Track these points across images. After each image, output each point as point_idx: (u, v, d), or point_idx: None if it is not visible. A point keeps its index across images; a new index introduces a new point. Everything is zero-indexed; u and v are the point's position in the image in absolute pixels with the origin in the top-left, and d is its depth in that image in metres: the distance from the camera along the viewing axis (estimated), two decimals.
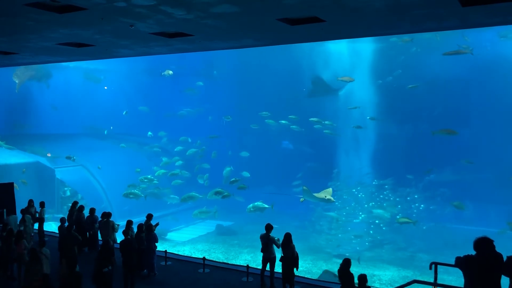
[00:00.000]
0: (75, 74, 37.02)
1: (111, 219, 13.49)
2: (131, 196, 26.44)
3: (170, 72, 33.71)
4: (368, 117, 30.44)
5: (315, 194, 21.97)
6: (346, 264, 8.62)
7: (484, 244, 6.55)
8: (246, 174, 31.08)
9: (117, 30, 10.36)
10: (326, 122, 30.55)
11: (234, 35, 11.03)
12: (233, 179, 27.51)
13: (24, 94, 35.23)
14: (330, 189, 23.32)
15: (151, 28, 10.10)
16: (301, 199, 22.68)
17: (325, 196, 21.72)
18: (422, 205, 26.66)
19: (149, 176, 29.13)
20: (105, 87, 39.62)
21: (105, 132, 34.84)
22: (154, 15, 8.83)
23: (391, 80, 30.88)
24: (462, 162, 27.20)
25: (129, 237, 10.91)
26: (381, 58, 32.18)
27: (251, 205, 24.89)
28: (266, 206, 24.21)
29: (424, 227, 25.01)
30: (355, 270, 9.05)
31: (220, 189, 25.93)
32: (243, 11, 8.45)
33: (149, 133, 35.07)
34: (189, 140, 35.12)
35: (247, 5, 8.06)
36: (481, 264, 6.49)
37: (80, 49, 13.03)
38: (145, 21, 9.32)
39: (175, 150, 34.09)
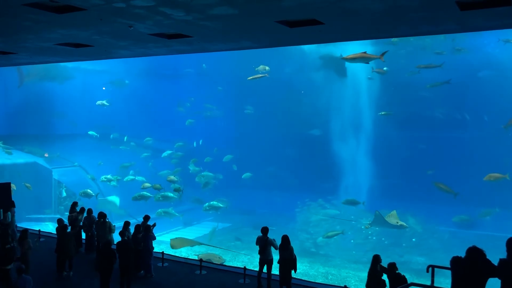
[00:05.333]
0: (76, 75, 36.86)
1: (107, 220, 13.44)
2: (82, 194, 25.82)
3: (267, 67, 29.86)
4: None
5: (387, 219, 21.05)
6: (375, 260, 9.03)
7: (475, 251, 6.73)
8: (247, 174, 31.45)
9: (116, 31, 10.34)
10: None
11: (232, 37, 11.03)
12: (173, 184, 26.69)
13: (25, 95, 35.09)
14: (394, 211, 22.35)
15: (150, 29, 10.08)
16: (367, 226, 22.09)
17: (397, 222, 20.84)
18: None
19: (109, 176, 28.97)
20: (103, 88, 39.37)
21: (111, 136, 34.33)
22: (153, 16, 8.81)
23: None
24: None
25: (125, 238, 10.91)
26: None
27: (206, 204, 25.31)
28: (221, 205, 24.61)
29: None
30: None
31: (158, 184, 25.79)
32: (242, 13, 8.45)
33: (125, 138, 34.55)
34: (194, 144, 35.02)
35: (246, 7, 8.05)
36: (468, 266, 6.66)
37: (78, 49, 12.99)
38: (144, 22, 9.30)
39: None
